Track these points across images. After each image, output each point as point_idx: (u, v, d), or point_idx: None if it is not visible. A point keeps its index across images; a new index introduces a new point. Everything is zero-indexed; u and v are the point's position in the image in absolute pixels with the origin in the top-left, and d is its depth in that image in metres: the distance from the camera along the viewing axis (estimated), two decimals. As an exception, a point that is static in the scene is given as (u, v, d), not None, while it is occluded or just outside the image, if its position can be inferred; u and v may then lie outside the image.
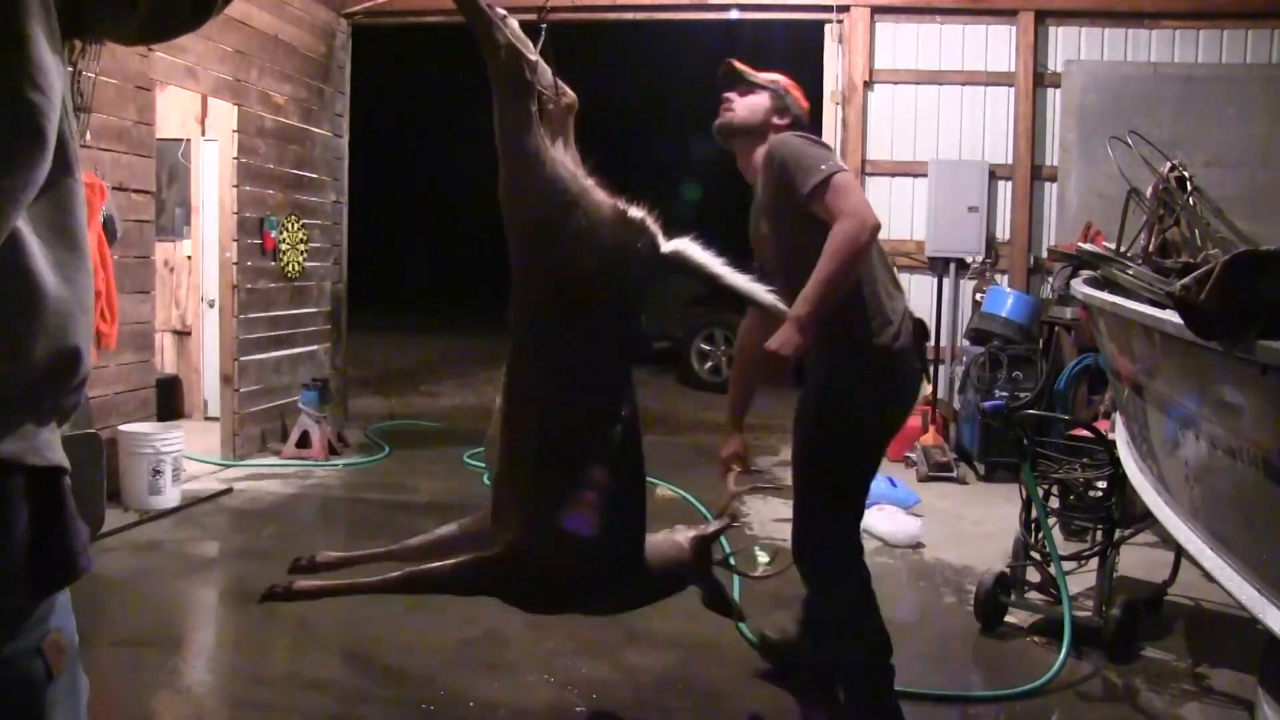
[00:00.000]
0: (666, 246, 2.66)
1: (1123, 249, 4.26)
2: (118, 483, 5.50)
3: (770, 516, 5.88)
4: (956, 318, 7.83)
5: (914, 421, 7.39)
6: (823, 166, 2.91)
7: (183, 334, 8.23)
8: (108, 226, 5.44)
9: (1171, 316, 2.75)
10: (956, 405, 7.63)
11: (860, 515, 3.26)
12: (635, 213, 2.63)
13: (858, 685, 3.20)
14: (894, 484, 5.97)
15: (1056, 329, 7.24)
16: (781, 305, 2.76)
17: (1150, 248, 4.26)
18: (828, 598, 3.25)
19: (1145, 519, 4.14)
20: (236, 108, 6.75)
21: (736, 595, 3.41)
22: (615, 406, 2.65)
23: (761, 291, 2.74)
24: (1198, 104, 7.35)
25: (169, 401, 7.48)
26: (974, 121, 7.83)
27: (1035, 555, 4.17)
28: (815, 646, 3.47)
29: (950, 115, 7.85)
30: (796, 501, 3.23)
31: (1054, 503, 4.35)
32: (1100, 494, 4.19)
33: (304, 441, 7.04)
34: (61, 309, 1.10)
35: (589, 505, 2.56)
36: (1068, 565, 4.03)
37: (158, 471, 5.54)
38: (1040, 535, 4.13)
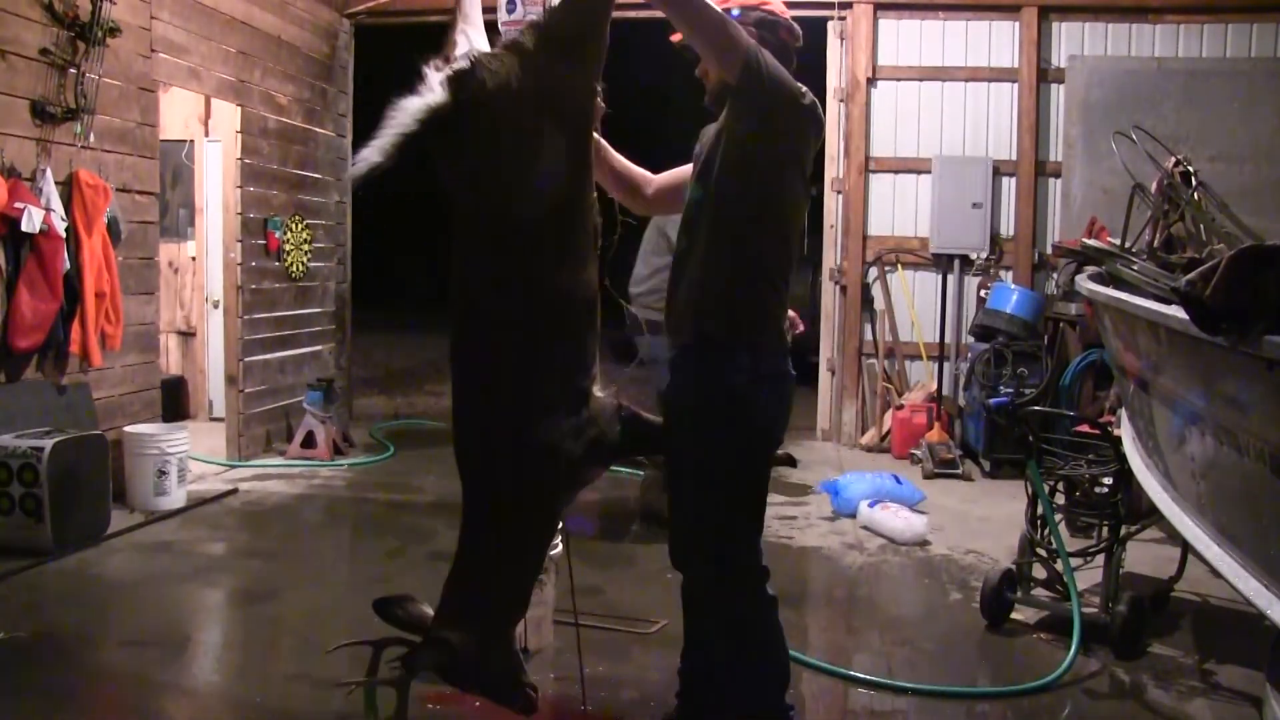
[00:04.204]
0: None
1: (1127, 244, 4.25)
2: (123, 484, 5.50)
3: (773, 515, 5.88)
4: (961, 314, 7.82)
5: (920, 418, 7.40)
6: None
7: (187, 335, 8.25)
8: (112, 228, 5.45)
9: (1177, 312, 2.74)
10: (962, 402, 7.62)
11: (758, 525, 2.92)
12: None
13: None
14: (899, 481, 5.96)
15: (1061, 325, 7.23)
16: None
17: (1155, 243, 4.25)
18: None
19: (1151, 515, 4.13)
20: (240, 108, 6.76)
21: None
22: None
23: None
24: (1202, 99, 7.33)
25: (174, 402, 7.50)
26: (978, 118, 7.82)
27: (1041, 552, 4.16)
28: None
29: (954, 112, 7.84)
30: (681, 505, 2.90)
31: (1060, 499, 4.34)
32: (1106, 490, 4.18)
33: (309, 442, 7.05)
34: None
35: None
36: (1074, 562, 4.02)
37: (163, 472, 5.55)
38: (1046, 532, 4.12)
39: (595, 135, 3.05)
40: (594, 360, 2.77)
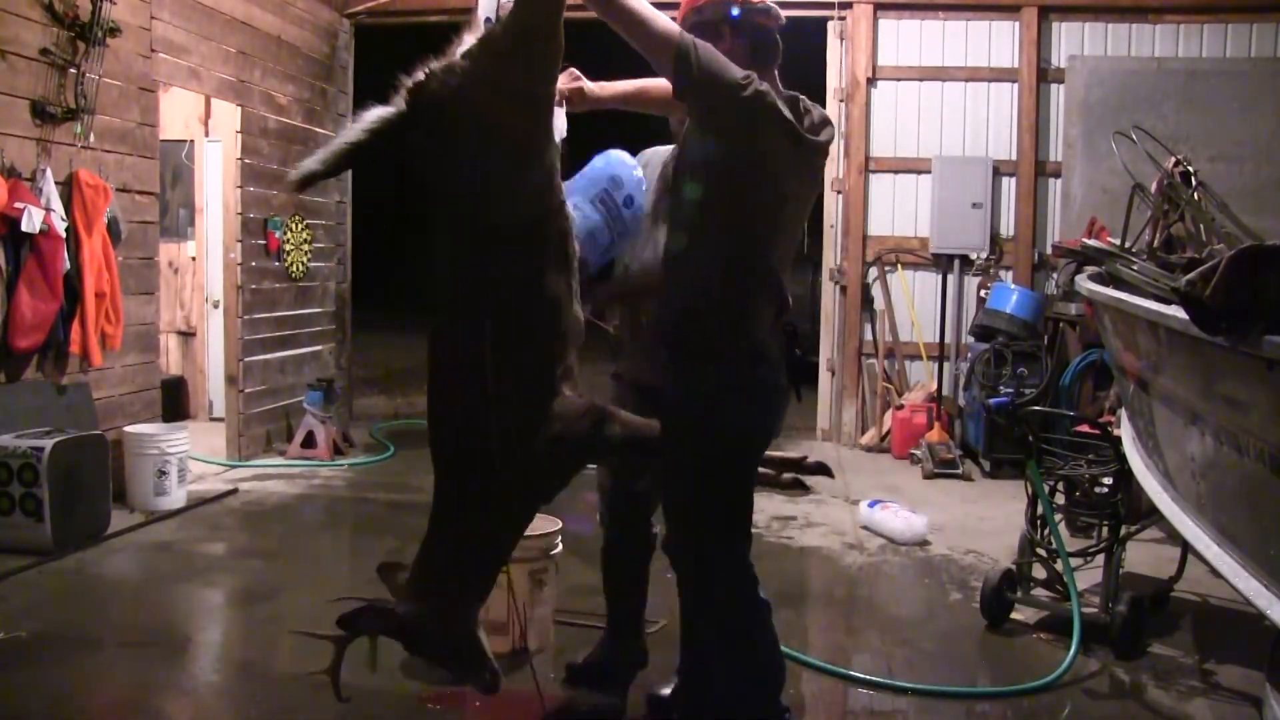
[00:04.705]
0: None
1: (1127, 244, 4.26)
2: (123, 484, 5.50)
3: (772, 515, 5.88)
4: (961, 314, 7.82)
5: (920, 418, 7.40)
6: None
7: (187, 335, 8.25)
8: (112, 228, 5.45)
9: (1177, 312, 2.74)
10: (961, 402, 7.62)
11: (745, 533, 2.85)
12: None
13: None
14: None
15: (1061, 325, 7.23)
16: None
17: (1155, 243, 4.26)
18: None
19: (1151, 515, 4.13)
20: (240, 108, 6.76)
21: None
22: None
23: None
24: (1202, 99, 7.34)
25: (174, 402, 7.50)
26: (978, 118, 7.82)
27: (1041, 552, 4.16)
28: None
29: (954, 112, 7.84)
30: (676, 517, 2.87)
31: (1060, 499, 4.34)
32: (1106, 490, 4.18)
33: (309, 442, 7.05)
34: None
35: None
36: (1074, 562, 4.02)
37: (163, 472, 5.55)
38: (1046, 532, 4.12)
39: (598, 85, 3.04)
40: (559, 359, 2.79)
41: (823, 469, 3.16)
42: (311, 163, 2.68)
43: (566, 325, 2.78)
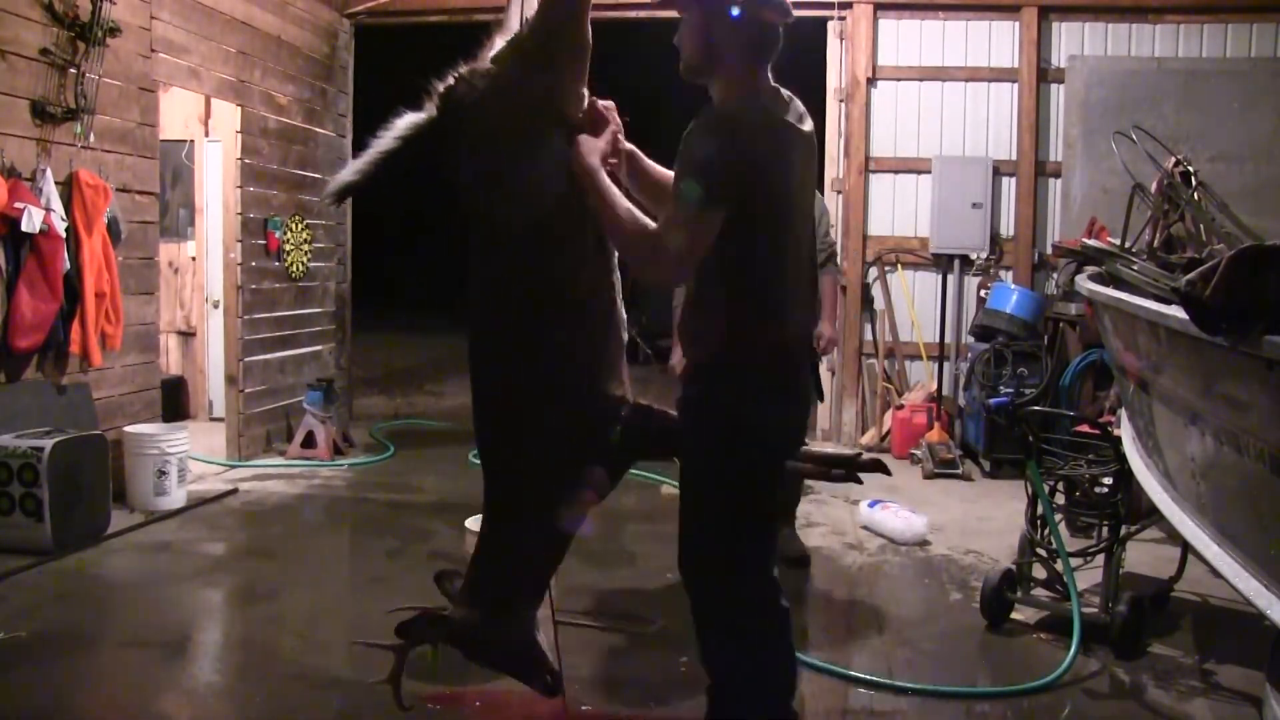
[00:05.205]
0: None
1: (1127, 244, 4.26)
2: (123, 484, 5.50)
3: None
4: (961, 314, 7.82)
5: (920, 418, 7.40)
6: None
7: (187, 335, 8.25)
8: (112, 228, 5.45)
9: (1177, 312, 2.75)
10: (962, 402, 7.62)
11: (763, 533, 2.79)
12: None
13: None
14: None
15: (1061, 325, 7.24)
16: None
17: (1155, 243, 4.26)
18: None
19: (1151, 515, 4.13)
20: (240, 108, 6.76)
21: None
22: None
23: None
24: (1202, 99, 7.34)
25: (174, 402, 7.51)
26: (978, 118, 7.82)
27: (1041, 552, 4.16)
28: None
29: (954, 112, 7.83)
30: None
31: (1060, 499, 4.34)
32: (1106, 490, 4.18)
33: (309, 442, 7.05)
34: None
35: None
36: (1074, 562, 4.02)
37: (163, 472, 5.55)
38: (1046, 531, 4.12)
39: (627, 145, 2.99)
40: (605, 359, 2.75)
41: (878, 466, 3.07)
42: (347, 174, 2.65)
43: (612, 325, 2.76)
